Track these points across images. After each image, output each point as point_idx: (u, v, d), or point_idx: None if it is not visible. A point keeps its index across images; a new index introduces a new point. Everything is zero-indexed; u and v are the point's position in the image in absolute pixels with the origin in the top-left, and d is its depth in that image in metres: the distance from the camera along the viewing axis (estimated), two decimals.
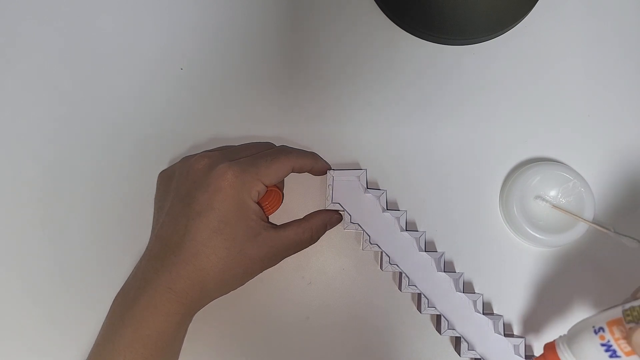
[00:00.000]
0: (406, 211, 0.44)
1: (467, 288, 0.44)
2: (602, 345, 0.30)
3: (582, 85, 0.47)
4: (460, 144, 0.46)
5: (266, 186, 0.40)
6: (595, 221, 0.42)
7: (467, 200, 0.46)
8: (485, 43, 0.48)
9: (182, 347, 0.40)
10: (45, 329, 0.45)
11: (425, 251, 0.43)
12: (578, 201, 0.43)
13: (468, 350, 0.41)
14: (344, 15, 0.48)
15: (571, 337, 0.32)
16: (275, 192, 0.44)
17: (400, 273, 0.43)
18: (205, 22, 0.49)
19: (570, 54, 0.47)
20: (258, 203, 0.41)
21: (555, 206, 0.42)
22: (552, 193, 0.43)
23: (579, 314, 0.44)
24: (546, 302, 0.44)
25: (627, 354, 0.30)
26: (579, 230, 0.43)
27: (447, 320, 0.42)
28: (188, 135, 0.47)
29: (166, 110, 0.48)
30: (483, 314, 0.42)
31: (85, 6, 0.49)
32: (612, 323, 0.30)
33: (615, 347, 0.30)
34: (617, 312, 0.30)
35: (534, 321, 0.44)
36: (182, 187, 0.39)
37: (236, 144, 0.46)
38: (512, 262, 0.45)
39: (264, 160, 0.40)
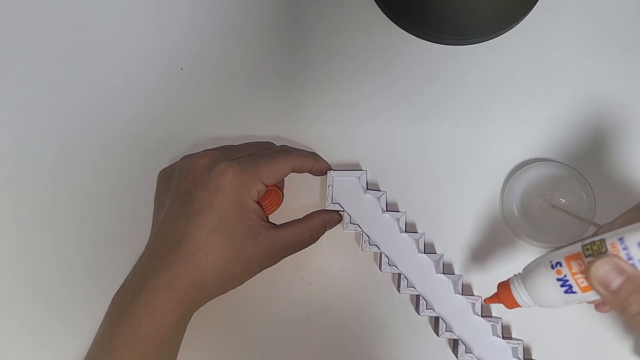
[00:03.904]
0: (405, 212, 0.44)
1: (466, 290, 0.44)
2: (558, 280, 0.29)
3: (582, 85, 0.47)
4: (460, 145, 0.46)
5: (266, 186, 0.40)
6: (595, 221, 0.42)
7: (467, 201, 0.45)
8: (485, 43, 0.47)
9: (181, 346, 0.40)
10: (44, 327, 0.45)
11: (424, 253, 0.43)
12: (578, 201, 0.42)
13: (465, 352, 0.41)
14: (343, 15, 0.49)
15: (526, 274, 0.31)
16: (275, 192, 0.44)
17: (399, 274, 0.43)
18: (205, 22, 0.49)
19: (570, 54, 0.47)
20: (258, 202, 0.41)
21: (555, 206, 0.42)
22: (552, 193, 0.43)
23: (576, 312, 0.44)
24: None
25: (584, 289, 0.29)
26: (579, 230, 0.42)
27: (445, 323, 0.42)
28: (188, 135, 0.47)
29: (166, 110, 0.48)
30: (482, 316, 0.42)
31: (85, 6, 0.50)
32: (570, 258, 0.29)
33: (571, 282, 0.29)
34: (576, 248, 0.29)
35: (533, 322, 0.44)
36: (182, 185, 0.40)
37: (236, 144, 0.46)
38: (512, 263, 0.44)
39: (264, 160, 0.40)
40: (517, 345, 0.41)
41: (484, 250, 0.45)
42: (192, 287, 0.37)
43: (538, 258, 0.31)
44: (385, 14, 0.48)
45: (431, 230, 0.45)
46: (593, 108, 0.46)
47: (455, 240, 0.45)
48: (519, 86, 0.47)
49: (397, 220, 0.44)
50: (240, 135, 0.47)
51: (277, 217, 0.45)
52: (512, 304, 0.32)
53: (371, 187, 0.46)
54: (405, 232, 0.44)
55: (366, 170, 0.44)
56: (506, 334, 0.43)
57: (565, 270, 0.29)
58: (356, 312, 0.45)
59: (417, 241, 0.43)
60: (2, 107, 0.48)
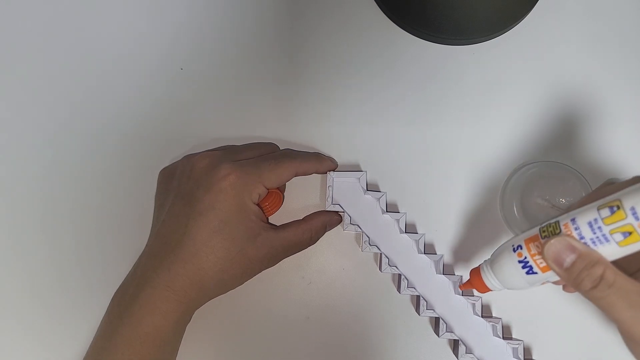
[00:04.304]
0: (405, 213, 0.44)
1: (466, 291, 0.44)
2: (520, 262, 0.31)
3: (582, 85, 0.46)
4: (460, 145, 0.46)
5: (267, 189, 0.40)
6: None
7: (467, 202, 0.45)
8: (485, 43, 0.47)
9: (181, 345, 0.40)
10: (44, 326, 0.45)
11: (424, 253, 0.43)
12: None
13: (466, 353, 0.41)
14: (343, 15, 0.48)
15: (494, 259, 0.33)
16: (275, 194, 0.44)
17: (399, 275, 0.43)
18: (206, 22, 0.49)
19: (570, 54, 0.47)
20: (258, 204, 0.41)
21: (555, 206, 0.42)
22: (552, 193, 0.43)
23: (576, 313, 0.43)
24: (544, 301, 0.44)
25: (543, 269, 0.30)
26: None
27: (446, 323, 0.42)
28: (188, 135, 0.47)
29: (166, 110, 0.48)
30: (482, 316, 0.42)
31: (85, 6, 0.50)
32: (529, 240, 0.31)
33: (531, 263, 0.30)
34: (535, 230, 0.31)
35: (533, 322, 0.44)
36: (183, 185, 0.40)
37: (238, 144, 0.46)
38: None
39: (268, 164, 0.40)
40: (517, 346, 0.41)
41: (484, 251, 0.45)
42: (192, 288, 0.38)
43: (504, 243, 0.33)
44: (385, 14, 0.48)
45: (431, 231, 0.45)
46: (593, 108, 0.46)
47: (456, 240, 0.45)
48: (519, 86, 0.47)
49: (397, 221, 0.44)
50: (241, 136, 0.47)
51: (277, 218, 0.45)
52: (483, 288, 0.34)
53: (371, 188, 0.46)
54: (405, 232, 0.44)
55: (366, 171, 0.44)
56: (506, 334, 0.43)
57: (525, 252, 0.31)
58: (356, 312, 0.45)
59: (417, 242, 0.43)
60: (2, 107, 0.48)
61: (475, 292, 0.44)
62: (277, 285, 0.45)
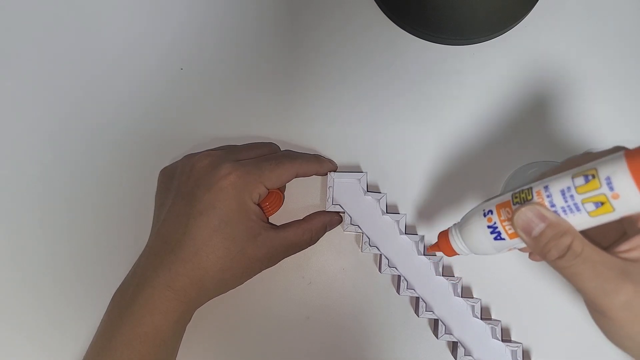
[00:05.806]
0: (405, 214, 0.44)
1: (466, 293, 0.44)
2: (489, 227, 0.30)
3: (582, 86, 0.46)
4: (460, 145, 0.46)
5: (268, 189, 0.40)
6: None
7: (468, 203, 0.45)
8: (485, 43, 0.47)
9: (181, 345, 0.40)
10: (44, 326, 0.45)
11: (424, 255, 0.43)
12: None
13: (465, 355, 0.41)
14: (344, 15, 0.48)
15: (463, 223, 0.32)
16: (276, 194, 0.44)
17: (399, 276, 0.43)
18: (206, 22, 0.49)
19: (570, 54, 0.47)
20: (259, 204, 0.41)
21: None
22: None
23: (576, 314, 0.43)
24: (544, 303, 0.44)
25: (511, 236, 0.29)
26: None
27: (445, 325, 0.42)
28: (188, 135, 0.47)
29: (166, 110, 0.48)
30: (481, 319, 0.42)
31: (85, 6, 0.50)
32: (500, 206, 0.30)
33: (500, 229, 0.30)
34: (507, 196, 0.30)
35: (533, 325, 0.43)
36: (184, 185, 0.40)
37: (239, 144, 0.46)
38: (512, 265, 0.44)
39: (269, 164, 0.40)
40: (516, 348, 0.41)
41: None
42: (192, 287, 0.38)
43: (475, 207, 0.32)
44: (385, 14, 0.48)
45: (431, 233, 0.45)
46: (593, 108, 0.46)
47: None
48: (518, 86, 0.47)
49: (397, 222, 0.44)
50: (241, 136, 0.47)
51: (277, 218, 0.45)
52: (450, 252, 0.33)
53: (371, 189, 0.46)
54: (405, 234, 0.44)
55: (366, 172, 0.44)
56: (506, 336, 0.43)
57: (495, 217, 0.30)
58: (356, 312, 0.45)
59: (416, 243, 0.43)
60: (2, 107, 0.48)
61: (476, 295, 0.44)
62: (277, 285, 0.45)
